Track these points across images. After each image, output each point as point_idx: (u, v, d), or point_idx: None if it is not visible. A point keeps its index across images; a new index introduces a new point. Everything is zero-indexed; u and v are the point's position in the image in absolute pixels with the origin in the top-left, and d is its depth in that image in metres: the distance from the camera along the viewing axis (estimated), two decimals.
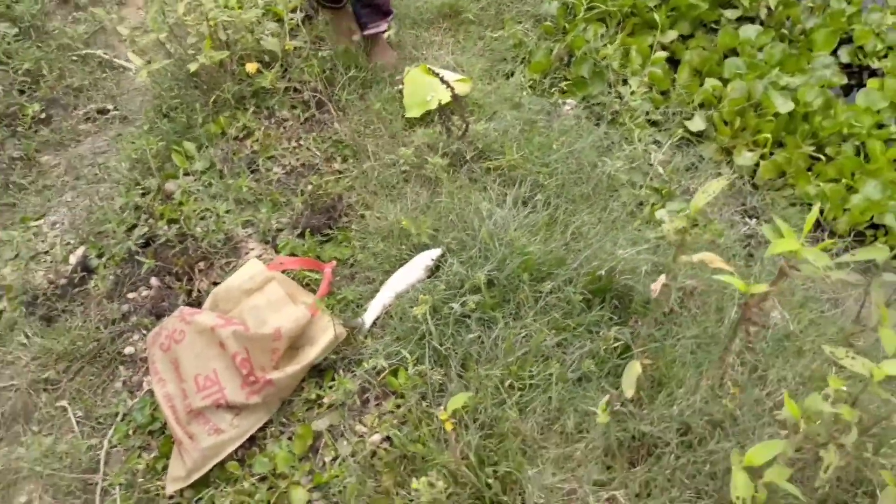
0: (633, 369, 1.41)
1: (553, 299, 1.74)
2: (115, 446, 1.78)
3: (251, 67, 2.50)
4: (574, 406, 1.54)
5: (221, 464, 1.69)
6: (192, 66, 2.42)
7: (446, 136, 2.14)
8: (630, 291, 1.77)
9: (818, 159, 2.57)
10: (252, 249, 2.14)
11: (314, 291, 1.95)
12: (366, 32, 2.55)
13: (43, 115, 2.71)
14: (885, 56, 3.04)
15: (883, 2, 3.20)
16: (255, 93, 2.52)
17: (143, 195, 2.28)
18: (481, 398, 1.57)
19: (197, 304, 1.98)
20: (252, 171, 2.28)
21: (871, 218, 2.49)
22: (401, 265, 1.93)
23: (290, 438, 1.72)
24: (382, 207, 2.09)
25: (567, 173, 2.12)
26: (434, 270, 1.89)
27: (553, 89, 2.54)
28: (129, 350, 1.95)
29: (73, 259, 2.15)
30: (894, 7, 3.17)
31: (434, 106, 2.29)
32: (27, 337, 1.97)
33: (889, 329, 1.26)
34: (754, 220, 2.37)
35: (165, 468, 1.71)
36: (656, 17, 2.69)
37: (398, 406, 1.69)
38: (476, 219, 1.91)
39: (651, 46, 2.76)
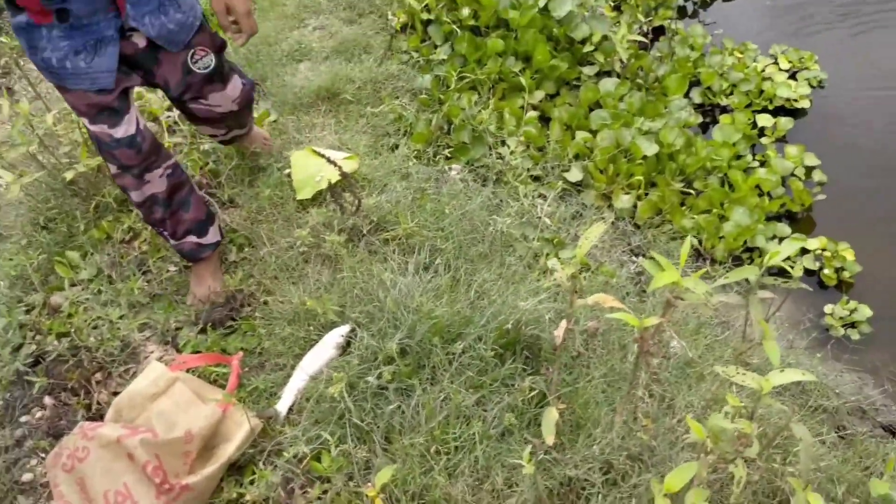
0: (550, 416, 1.45)
1: (466, 359, 1.78)
2: None
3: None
4: (501, 462, 1.56)
5: None
6: (69, 175, 2.36)
7: (340, 214, 2.17)
8: (538, 341, 1.83)
9: (689, 194, 2.80)
10: (151, 352, 2.06)
11: (223, 387, 1.89)
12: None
13: None
14: (731, 93, 3.38)
15: (721, 45, 3.57)
16: None
17: (28, 312, 2.16)
18: (409, 469, 1.56)
19: (98, 417, 1.87)
20: (143, 273, 2.21)
21: (745, 242, 2.73)
22: (310, 347, 1.91)
23: None
24: (285, 291, 2.08)
25: (462, 235, 2.19)
26: (345, 347, 1.89)
27: (437, 157, 2.65)
28: (27, 477, 1.81)
29: None
30: (731, 48, 3.55)
31: (324, 186, 2.32)
32: None
33: (772, 341, 1.38)
34: (641, 257, 2.52)
35: None
36: (522, 80, 2.88)
37: (325, 491, 1.65)
38: (380, 290, 1.93)
39: (522, 107, 2.93)
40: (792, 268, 2.76)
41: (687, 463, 1.16)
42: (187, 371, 1.90)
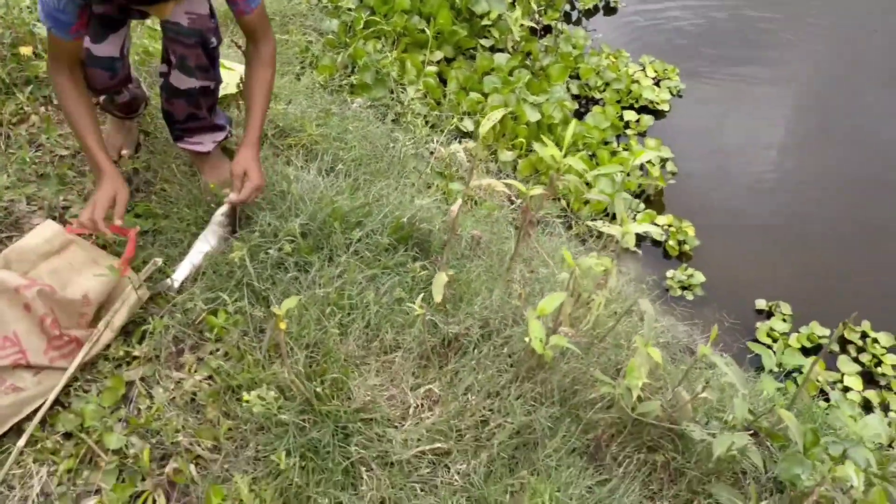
0: (440, 279, 1.63)
1: (363, 245, 1.91)
2: None
3: (26, 50, 2.39)
4: (391, 322, 1.71)
5: (19, 426, 1.57)
6: None
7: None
8: (428, 236, 2.01)
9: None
10: (36, 224, 2.01)
11: (118, 255, 1.90)
12: (181, 145, 2.09)
13: None
14: (604, 90, 3.78)
15: (599, 47, 3.99)
16: (29, 80, 2.40)
17: None
18: (305, 322, 1.67)
19: None
20: (36, 148, 2.16)
21: (605, 209, 3.09)
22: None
23: (98, 394, 1.65)
24: (184, 180, 2.11)
25: (363, 152, 2.33)
26: (232, 223, 1.92)
27: (341, 88, 2.78)
28: None
29: None
30: (607, 53, 3.96)
31: (232, 91, 2.38)
32: None
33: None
34: (518, 201, 2.78)
35: None
36: (428, 32, 3.09)
37: (218, 348, 1.71)
38: (284, 182, 2.03)
39: (423, 62, 3.14)
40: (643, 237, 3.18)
41: (556, 293, 1.38)
42: (81, 236, 1.88)
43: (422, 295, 1.56)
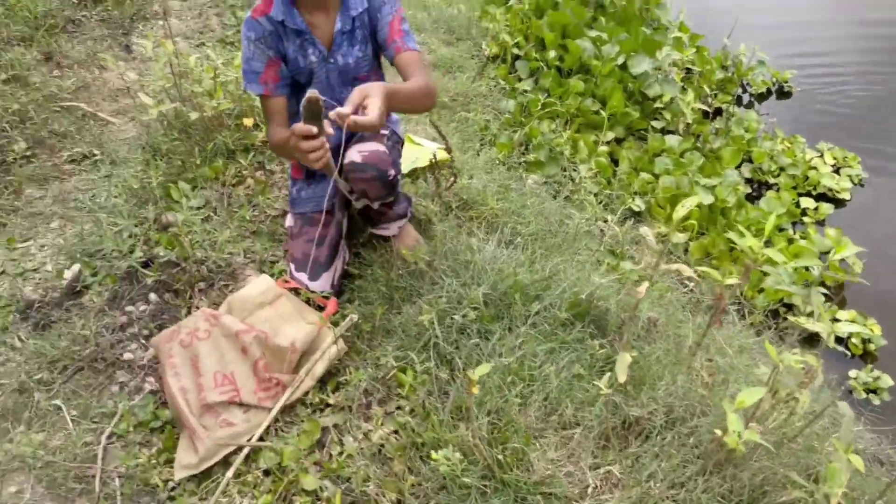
0: (624, 359, 1.64)
1: (541, 318, 1.97)
2: (113, 442, 1.78)
3: (248, 121, 2.73)
4: (571, 397, 1.74)
5: (226, 459, 1.73)
6: (194, 115, 2.63)
7: (436, 186, 2.41)
8: (605, 315, 2.03)
9: (735, 247, 3.04)
10: (249, 276, 2.26)
11: (318, 308, 2.08)
12: (370, 230, 2.24)
13: (29, 153, 2.78)
14: (779, 175, 3.67)
15: (772, 132, 3.89)
16: (247, 147, 2.73)
17: (140, 225, 2.38)
18: (487, 390, 1.74)
19: None
20: (252, 207, 2.44)
21: (782, 299, 2.95)
22: (399, 291, 2.11)
23: (297, 435, 1.79)
24: (378, 243, 2.29)
25: (539, 226, 2.42)
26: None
27: (518, 164, 2.91)
28: (128, 356, 1.98)
29: (67, 274, 2.18)
30: (781, 137, 3.86)
31: (421, 164, 2.57)
32: (21, 340, 1.97)
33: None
34: (692, 284, 2.73)
35: (168, 462, 1.74)
36: (604, 113, 3.17)
37: (404, 405, 1.81)
38: (468, 251, 2.15)
39: (595, 142, 3.22)
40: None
41: (756, 386, 1.35)
42: (290, 290, 2.09)
43: (606, 375, 1.57)
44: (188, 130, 2.71)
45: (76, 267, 2.21)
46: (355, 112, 1.54)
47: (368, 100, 1.56)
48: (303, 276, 2.07)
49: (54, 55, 3.38)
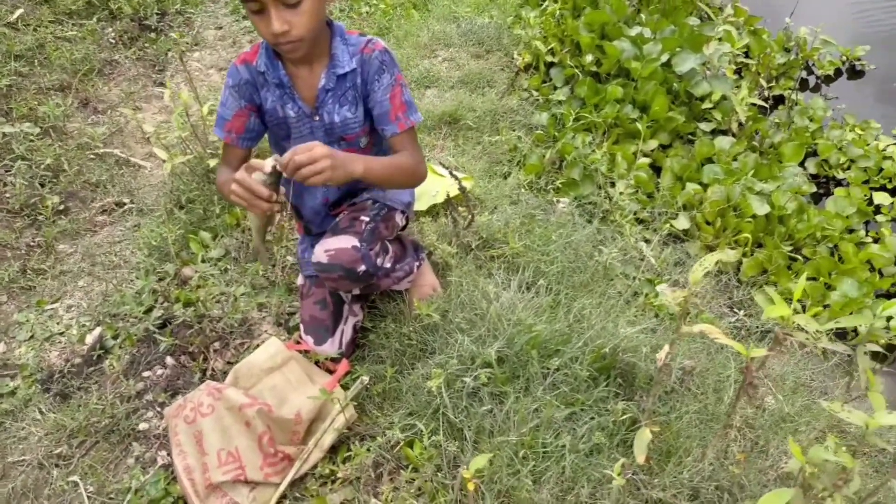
0: (644, 436, 1.48)
1: (561, 376, 1.83)
2: None
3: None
4: (587, 475, 1.60)
5: None
6: (212, 163, 2.60)
7: (453, 226, 2.29)
8: (633, 369, 1.87)
9: (796, 259, 2.77)
10: (265, 331, 2.21)
11: (328, 371, 2.02)
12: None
13: (62, 207, 2.83)
14: (849, 168, 3.33)
15: (841, 119, 3.54)
16: None
17: (161, 280, 2.37)
18: (497, 468, 1.62)
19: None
20: (272, 264, 2.39)
21: (851, 314, 2.66)
22: (411, 347, 2.01)
23: None
24: (391, 292, 2.20)
25: (566, 262, 2.26)
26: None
27: (548, 188, 2.74)
28: (143, 426, 1.97)
29: (89, 339, 2.20)
30: (852, 125, 3.50)
31: (440, 200, 2.45)
32: (41, 413, 2.00)
33: (878, 393, 1.37)
34: (742, 311, 2.51)
35: None
36: (639, 126, 2.95)
37: (413, 479, 1.72)
38: (484, 300, 2.02)
39: (635, 153, 3.00)
40: None
41: (783, 489, 1.18)
42: (300, 352, 2.03)
43: (620, 461, 1.42)
44: (209, 176, 2.69)
45: (97, 331, 2.23)
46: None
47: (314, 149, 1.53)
48: (310, 339, 2.00)
49: (91, 101, 3.44)
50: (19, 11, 3.64)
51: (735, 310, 2.52)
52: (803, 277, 1.41)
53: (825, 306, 2.67)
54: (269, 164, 1.55)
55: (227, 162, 1.87)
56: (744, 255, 2.77)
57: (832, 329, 1.69)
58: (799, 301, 2.69)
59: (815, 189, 3.22)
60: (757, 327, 2.35)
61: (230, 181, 1.55)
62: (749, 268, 2.72)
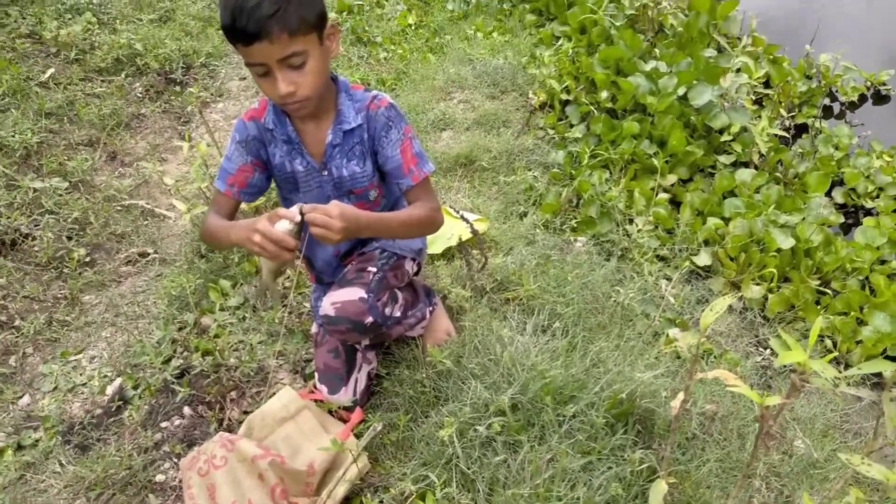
0: (659, 488, 1.43)
1: (576, 423, 1.79)
2: None
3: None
4: None
5: None
6: None
7: (467, 269, 2.28)
8: (652, 415, 1.82)
9: (825, 293, 2.68)
10: (282, 379, 2.22)
11: (342, 420, 2.00)
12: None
13: (88, 259, 2.89)
14: (878, 196, 3.24)
15: (868, 146, 3.46)
16: None
17: (180, 329, 2.40)
18: None
19: (228, 431, 2.03)
20: (284, 306, 2.41)
21: (885, 350, 2.56)
22: (425, 394, 1.99)
23: None
24: (409, 340, 2.19)
25: (583, 303, 2.23)
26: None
27: (564, 227, 2.72)
28: (160, 478, 1.98)
29: (109, 390, 2.22)
30: (879, 151, 3.42)
31: (454, 242, 2.45)
32: (61, 465, 2.01)
33: None
34: (768, 350, 2.44)
35: None
36: (656, 162, 2.92)
37: None
38: (498, 345, 2.00)
39: (653, 189, 2.97)
40: None
41: None
42: (315, 402, 2.03)
43: (638, 502, 1.38)
44: None
45: (118, 381, 2.25)
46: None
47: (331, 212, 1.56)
48: (324, 388, 2.00)
49: (118, 154, 3.54)
50: (50, 71, 3.79)
51: (761, 348, 2.44)
52: (818, 321, 1.36)
53: (858, 342, 2.58)
54: (296, 212, 1.57)
55: (218, 210, 1.85)
56: (769, 290, 2.70)
57: (855, 375, 1.61)
58: (829, 337, 2.61)
59: (842, 219, 3.14)
60: (784, 367, 2.27)
61: (249, 230, 1.55)
62: (775, 304, 2.64)
